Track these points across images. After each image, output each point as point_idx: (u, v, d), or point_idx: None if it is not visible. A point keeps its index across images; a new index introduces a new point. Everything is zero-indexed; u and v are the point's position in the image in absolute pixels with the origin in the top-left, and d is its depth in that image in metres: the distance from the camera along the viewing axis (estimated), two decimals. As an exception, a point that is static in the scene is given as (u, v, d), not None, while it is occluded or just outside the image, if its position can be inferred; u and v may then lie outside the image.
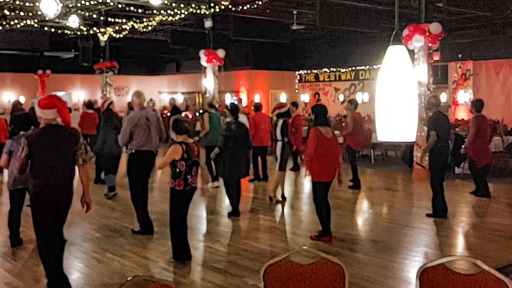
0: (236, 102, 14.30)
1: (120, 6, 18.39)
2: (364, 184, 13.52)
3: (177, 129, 6.92)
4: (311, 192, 8.39)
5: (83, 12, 19.33)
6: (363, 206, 11.53)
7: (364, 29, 18.60)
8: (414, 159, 14.23)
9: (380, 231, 8.84)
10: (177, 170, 6.80)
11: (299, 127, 14.51)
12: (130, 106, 13.26)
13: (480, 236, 8.56)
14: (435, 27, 13.67)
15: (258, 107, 14.13)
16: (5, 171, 9.83)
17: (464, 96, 22.65)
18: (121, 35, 23.55)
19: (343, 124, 17.05)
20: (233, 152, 9.79)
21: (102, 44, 24.39)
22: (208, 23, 19.72)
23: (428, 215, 9.71)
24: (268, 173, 13.71)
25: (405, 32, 13.69)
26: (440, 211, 9.61)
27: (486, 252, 7.51)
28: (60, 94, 30.70)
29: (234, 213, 9.84)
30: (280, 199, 11.08)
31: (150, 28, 21.75)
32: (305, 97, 29.38)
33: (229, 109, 10.38)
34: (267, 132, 13.63)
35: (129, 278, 2.90)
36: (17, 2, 17.06)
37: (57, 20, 18.44)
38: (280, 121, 11.23)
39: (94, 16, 19.94)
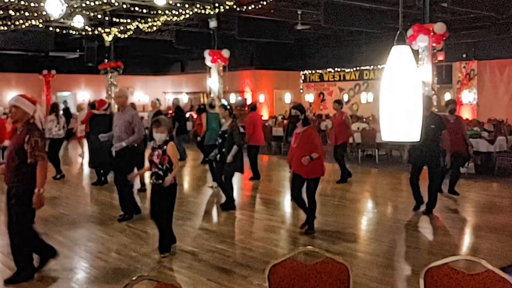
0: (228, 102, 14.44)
1: (124, 6, 18.43)
2: (369, 184, 13.56)
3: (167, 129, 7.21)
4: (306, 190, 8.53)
5: (88, 13, 19.37)
6: (368, 205, 11.52)
7: (368, 29, 18.61)
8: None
9: (384, 231, 8.84)
10: (168, 166, 7.03)
11: None
12: (92, 106, 13.63)
13: (485, 235, 8.55)
14: (439, 27, 13.67)
15: (254, 106, 14.36)
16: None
17: (469, 96, 22.65)
18: (126, 35, 23.59)
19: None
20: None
21: (107, 44, 24.43)
22: (212, 23, 19.76)
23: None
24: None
25: (410, 32, 13.69)
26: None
27: (490, 251, 7.51)
28: (64, 94, 30.86)
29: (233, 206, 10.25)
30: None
31: (154, 28, 21.79)
32: (309, 97, 29.40)
33: (228, 109, 10.47)
34: (262, 132, 14.07)
35: (134, 278, 2.91)
36: (22, 3, 17.10)
37: (62, 20, 18.48)
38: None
39: (99, 16, 19.98)
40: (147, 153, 8.02)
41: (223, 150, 10.00)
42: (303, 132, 8.20)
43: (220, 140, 10.12)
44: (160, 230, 7.27)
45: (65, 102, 27.15)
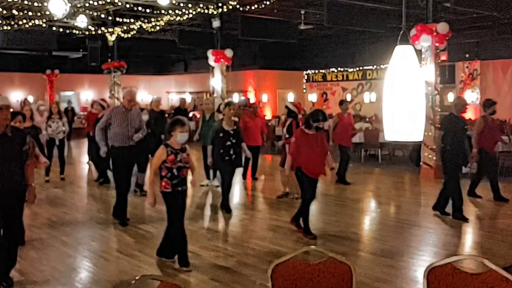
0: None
1: (128, 6, 18.44)
2: (372, 183, 13.56)
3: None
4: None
5: (91, 12, 19.39)
6: (371, 205, 11.53)
7: (371, 29, 18.58)
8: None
9: (387, 231, 8.84)
10: None
11: None
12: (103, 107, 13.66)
13: (488, 235, 8.54)
14: (442, 27, 13.65)
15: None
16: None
17: (471, 96, 22.60)
18: (129, 35, 23.60)
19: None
20: None
21: (110, 44, 24.44)
22: (216, 23, 19.76)
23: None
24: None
25: (413, 32, 13.68)
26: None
27: (493, 251, 7.50)
28: (68, 94, 30.89)
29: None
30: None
31: (158, 28, 21.79)
32: (312, 97, 29.38)
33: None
34: None
35: (137, 277, 2.92)
36: (25, 2, 17.12)
37: (65, 20, 18.49)
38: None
39: (102, 16, 20.00)
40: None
41: (238, 150, 9.99)
42: (320, 135, 8.15)
43: (234, 140, 9.89)
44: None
45: (69, 102, 27.23)
